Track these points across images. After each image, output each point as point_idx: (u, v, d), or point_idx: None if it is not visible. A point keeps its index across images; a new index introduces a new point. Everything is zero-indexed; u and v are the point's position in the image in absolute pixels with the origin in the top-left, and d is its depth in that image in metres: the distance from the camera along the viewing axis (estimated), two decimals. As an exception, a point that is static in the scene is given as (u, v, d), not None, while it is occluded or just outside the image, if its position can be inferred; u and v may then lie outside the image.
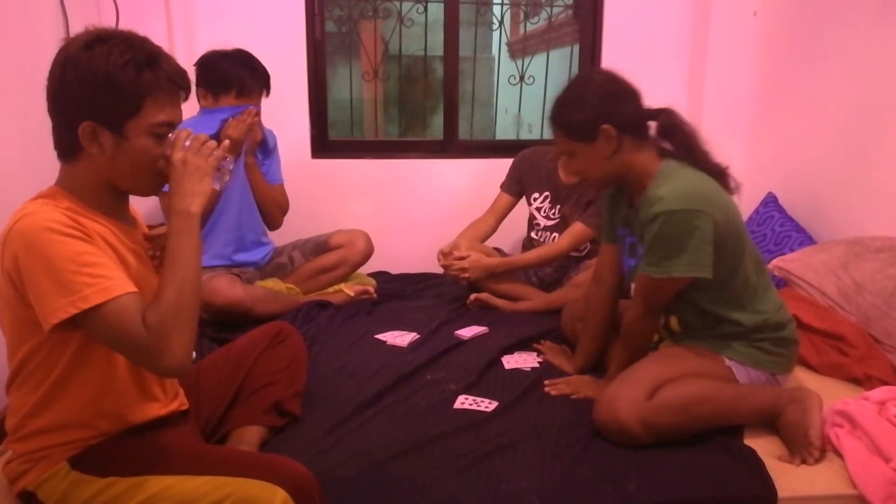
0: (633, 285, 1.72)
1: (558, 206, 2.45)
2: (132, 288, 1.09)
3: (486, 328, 2.18)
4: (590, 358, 1.89)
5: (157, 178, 1.19)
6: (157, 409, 1.28)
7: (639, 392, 1.50)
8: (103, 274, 1.06)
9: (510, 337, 2.10)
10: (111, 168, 1.14)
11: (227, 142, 1.30)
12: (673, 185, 1.52)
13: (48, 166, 1.22)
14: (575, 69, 3.17)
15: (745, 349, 1.62)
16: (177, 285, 1.10)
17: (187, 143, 1.16)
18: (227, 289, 2.20)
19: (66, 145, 1.14)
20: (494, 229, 2.54)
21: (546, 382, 1.82)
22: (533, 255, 2.42)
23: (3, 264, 1.10)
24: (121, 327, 1.05)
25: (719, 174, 1.59)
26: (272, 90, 2.40)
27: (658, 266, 1.53)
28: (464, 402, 1.72)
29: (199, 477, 1.13)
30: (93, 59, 1.08)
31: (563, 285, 2.45)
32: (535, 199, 2.51)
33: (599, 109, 1.56)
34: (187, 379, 1.44)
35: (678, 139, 1.60)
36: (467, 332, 2.15)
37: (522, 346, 2.06)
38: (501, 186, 2.56)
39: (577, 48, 3.16)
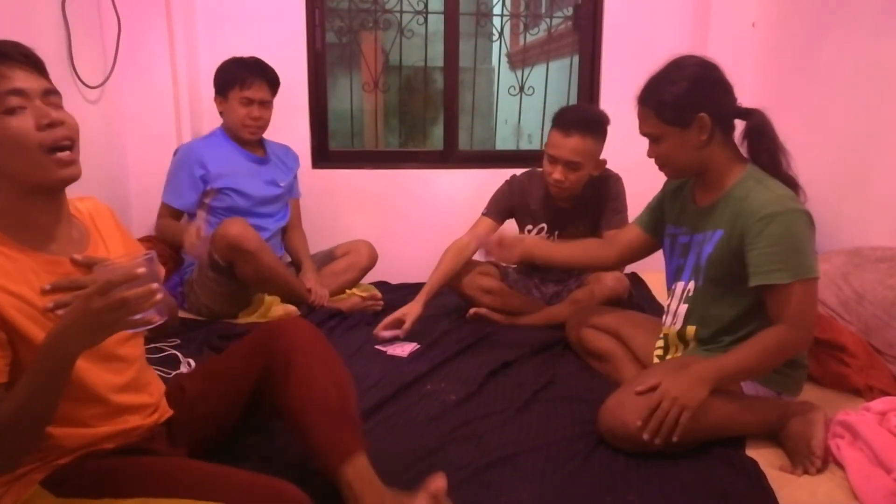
0: (675, 288, 1.72)
1: (556, 234, 2.42)
2: None
3: (416, 345, 2.15)
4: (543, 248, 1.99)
5: (48, 155, 1.05)
6: (131, 422, 1.20)
7: (645, 399, 1.49)
8: None
9: (512, 348, 2.10)
10: (3, 169, 1.04)
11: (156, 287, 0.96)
12: (772, 190, 1.50)
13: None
14: (575, 80, 3.18)
15: None
16: (20, 405, 0.96)
17: (109, 287, 0.92)
18: (242, 227, 2.25)
19: None
20: (472, 255, 2.40)
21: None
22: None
23: None
24: None
25: (795, 187, 1.56)
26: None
27: (801, 267, 1.45)
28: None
29: (186, 501, 1.04)
30: None
31: (563, 299, 2.44)
32: (528, 230, 2.44)
33: (698, 96, 1.53)
34: (173, 388, 1.38)
35: (765, 145, 1.58)
36: (399, 350, 2.12)
37: (524, 359, 2.05)
38: (486, 211, 2.43)
39: (576, 59, 3.17)
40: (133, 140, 2.69)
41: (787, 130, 1.64)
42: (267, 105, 2.47)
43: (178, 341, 2.12)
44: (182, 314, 2.39)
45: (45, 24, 2.16)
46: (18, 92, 1.03)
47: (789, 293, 1.46)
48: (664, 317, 1.78)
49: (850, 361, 1.84)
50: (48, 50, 2.17)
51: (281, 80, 2.51)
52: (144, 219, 2.72)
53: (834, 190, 2.41)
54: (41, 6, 2.14)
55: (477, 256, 2.47)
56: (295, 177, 2.71)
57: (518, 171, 2.50)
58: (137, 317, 0.95)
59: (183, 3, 2.68)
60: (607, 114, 2.28)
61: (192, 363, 1.98)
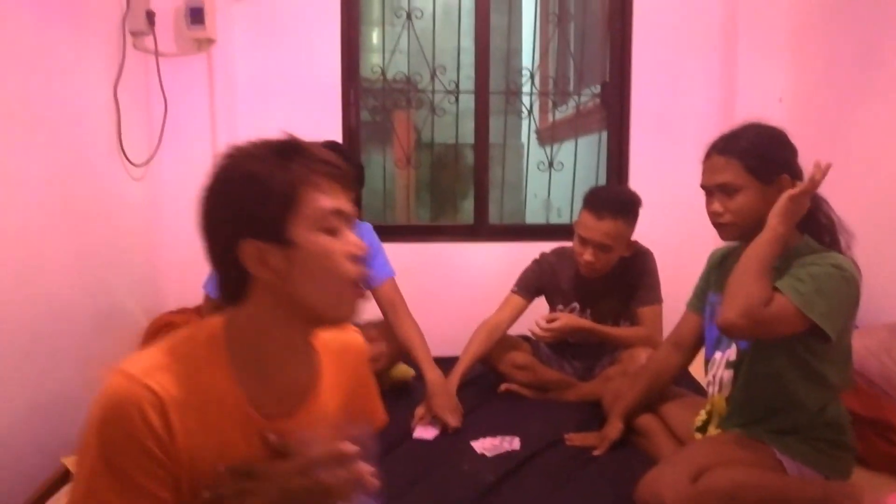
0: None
1: (588, 311, 2.40)
2: None
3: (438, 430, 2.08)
4: (629, 410, 1.88)
5: (354, 289, 0.92)
6: None
7: (683, 474, 1.44)
8: None
9: (548, 426, 2.07)
10: (292, 291, 0.89)
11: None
12: (831, 255, 1.49)
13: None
14: (603, 155, 3.23)
15: (800, 445, 1.54)
16: None
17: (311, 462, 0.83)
18: None
19: (233, 283, 0.91)
20: (505, 332, 2.38)
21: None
22: (617, 331, 2.33)
23: None
24: None
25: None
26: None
27: (814, 304, 1.41)
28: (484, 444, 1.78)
29: None
30: (232, 164, 0.92)
31: (595, 376, 2.40)
32: (559, 310, 2.41)
33: (782, 156, 1.55)
34: None
35: (823, 222, 1.58)
36: (425, 433, 2.07)
37: (557, 442, 1.99)
38: (515, 289, 2.41)
39: (605, 135, 3.23)
40: (172, 216, 2.77)
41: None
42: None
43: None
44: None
45: (97, 104, 2.28)
46: (340, 214, 0.91)
47: (780, 302, 1.41)
48: (708, 387, 1.73)
49: (898, 441, 1.77)
50: (98, 129, 2.29)
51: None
52: (179, 293, 2.77)
53: (871, 262, 2.36)
54: (94, 88, 2.27)
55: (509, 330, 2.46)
56: (376, 254, 2.40)
57: (547, 248, 2.51)
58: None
59: (225, 83, 2.82)
60: (638, 194, 2.29)
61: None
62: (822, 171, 1.42)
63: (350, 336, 1.10)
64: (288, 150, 0.90)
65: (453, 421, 2.08)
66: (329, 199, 0.90)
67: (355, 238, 0.92)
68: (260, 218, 0.87)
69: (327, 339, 1.03)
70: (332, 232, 0.90)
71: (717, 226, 1.60)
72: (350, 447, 0.83)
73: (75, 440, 2.08)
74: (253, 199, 0.87)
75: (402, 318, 2.32)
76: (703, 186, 1.62)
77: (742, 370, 1.60)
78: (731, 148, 1.56)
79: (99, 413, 0.84)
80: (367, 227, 2.48)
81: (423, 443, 2.01)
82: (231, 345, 0.91)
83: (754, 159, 1.53)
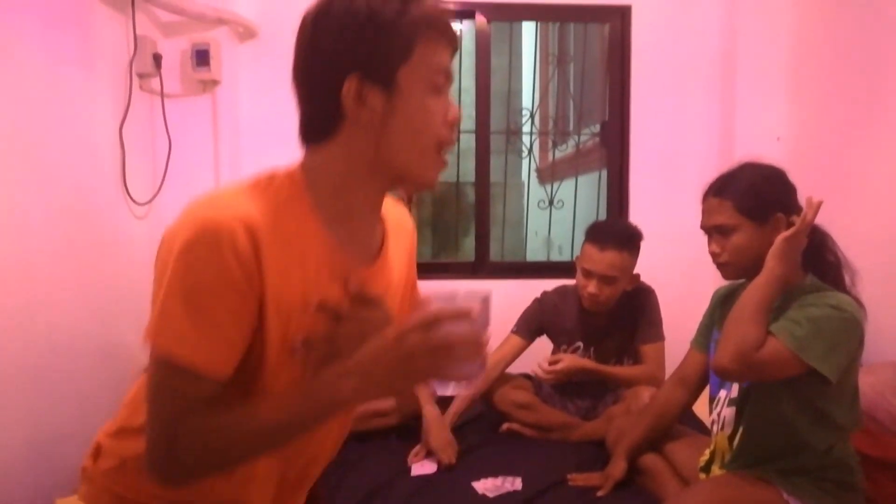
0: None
1: (592, 349, 2.39)
2: (218, 373, 0.80)
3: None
4: (633, 449, 1.86)
5: (439, 156, 0.90)
6: None
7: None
8: (207, 324, 0.78)
9: (551, 466, 2.04)
10: (382, 139, 0.86)
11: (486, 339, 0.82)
12: (836, 295, 1.49)
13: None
14: (603, 193, 3.25)
15: (808, 486, 1.51)
16: (254, 431, 0.81)
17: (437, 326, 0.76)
18: None
19: (322, 119, 0.89)
20: (499, 376, 2.38)
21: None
22: (620, 370, 2.33)
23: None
24: (153, 396, 0.81)
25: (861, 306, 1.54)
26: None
27: (811, 350, 1.40)
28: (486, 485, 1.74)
29: None
30: (350, 1, 0.86)
31: (599, 415, 2.37)
32: (563, 349, 2.42)
33: (777, 195, 1.56)
34: None
35: (828, 259, 1.59)
36: (424, 468, 2.05)
37: (560, 482, 1.96)
38: (515, 329, 2.42)
39: (604, 173, 3.25)
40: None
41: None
42: None
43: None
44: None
45: (102, 144, 2.32)
46: (448, 75, 0.89)
47: (773, 346, 1.40)
48: (712, 426, 1.71)
49: (907, 482, 1.74)
50: (103, 168, 2.32)
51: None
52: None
53: (874, 301, 2.36)
54: (100, 128, 2.30)
55: (508, 369, 2.45)
56: None
57: (548, 285, 2.51)
58: (459, 368, 0.77)
59: (229, 123, 2.85)
60: (638, 227, 2.31)
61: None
62: (814, 209, 1.44)
63: (404, 212, 1.10)
64: (412, 1, 0.87)
65: (446, 457, 2.07)
66: (442, 57, 0.88)
67: (454, 105, 0.90)
68: (374, 56, 0.84)
69: (389, 214, 1.01)
70: (436, 90, 0.88)
71: (718, 265, 1.62)
72: (477, 307, 0.77)
73: (72, 481, 2.06)
74: (371, 36, 0.84)
75: None
76: (702, 227, 1.64)
77: (746, 410, 1.58)
78: (724, 189, 1.58)
79: (187, 238, 0.78)
80: None
81: (423, 480, 1.99)
82: (312, 186, 0.88)
83: (747, 200, 1.55)
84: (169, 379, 0.79)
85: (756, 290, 1.46)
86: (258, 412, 0.81)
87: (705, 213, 1.62)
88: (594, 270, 2.20)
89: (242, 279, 0.78)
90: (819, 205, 1.44)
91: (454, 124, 0.90)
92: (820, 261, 1.58)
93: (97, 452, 1.00)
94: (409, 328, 0.76)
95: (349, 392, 0.79)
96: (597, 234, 2.24)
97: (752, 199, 1.55)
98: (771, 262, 1.46)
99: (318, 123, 0.90)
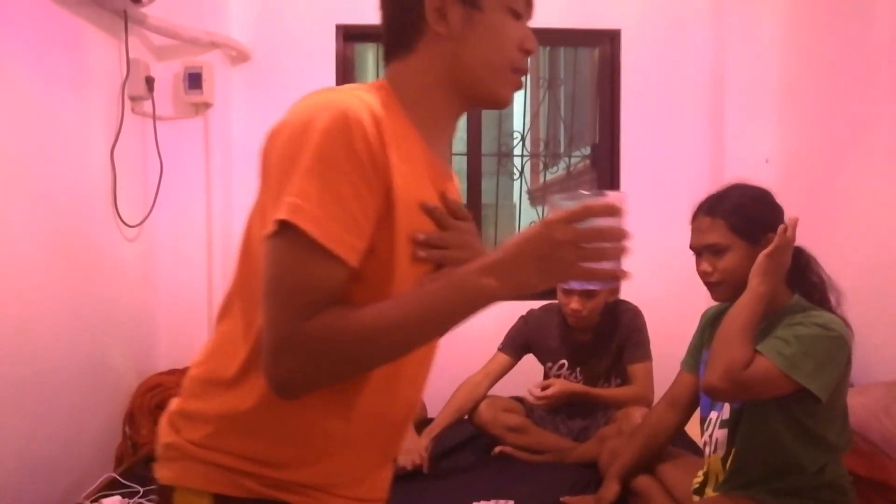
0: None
1: (578, 369, 2.40)
2: (351, 259, 0.76)
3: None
4: (626, 471, 1.85)
5: (514, 76, 0.91)
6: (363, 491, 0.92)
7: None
8: (342, 205, 0.75)
9: (545, 490, 2.02)
10: (460, 53, 0.87)
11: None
12: (822, 315, 1.49)
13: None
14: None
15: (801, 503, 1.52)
16: (393, 325, 0.76)
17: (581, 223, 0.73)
18: None
19: (404, 30, 0.89)
20: (486, 393, 2.38)
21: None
22: (610, 392, 2.34)
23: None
24: (283, 284, 0.75)
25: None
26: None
27: (801, 369, 1.40)
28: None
29: None
30: None
31: (590, 436, 2.36)
32: (549, 367, 2.45)
33: (767, 216, 1.56)
34: None
35: (812, 280, 1.59)
36: None
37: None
38: (502, 346, 2.44)
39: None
40: (165, 276, 2.77)
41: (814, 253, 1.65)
42: None
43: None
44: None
45: (93, 166, 2.31)
46: (529, 3, 0.92)
47: (762, 365, 1.41)
48: (704, 447, 1.71)
49: (900, 502, 1.73)
50: (94, 190, 2.31)
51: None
52: (171, 354, 2.75)
53: (864, 321, 2.37)
54: (92, 150, 2.30)
55: (499, 392, 2.44)
56: None
57: (535, 305, 2.51)
58: (602, 265, 0.74)
59: (221, 146, 2.86)
60: None
61: None
62: (792, 226, 1.45)
63: None
64: None
65: (401, 460, 2.07)
66: None
67: (531, 33, 0.91)
68: None
69: None
70: (516, 15, 0.89)
71: (708, 285, 1.61)
72: (623, 204, 0.73)
73: (62, 500, 2.03)
74: None
75: None
76: (692, 247, 1.63)
77: (738, 431, 1.58)
78: (716, 209, 1.58)
79: (325, 122, 0.75)
80: None
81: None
82: (399, 94, 0.88)
83: (740, 220, 1.55)
84: (302, 264, 0.74)
85: (741, 309, 1.47)
86: (397, 303, 0.77)
87: (696, 232, 1.62)
88: (573, 287, 2.22)
89: (371, 167, 0.77)
90: (796, 221, 1.45)
91: (529, 53, 0.91)
92: (805, 282, 1.59)
93: (177, 423, 0.88)
94: (559, 218, 0.73)
95: (491, 288, 0.76)
96: None
97: (745, 220, 1.55)
98: (754, 281, 1.47)
99: (400, 36, 0.89)
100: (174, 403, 0.92)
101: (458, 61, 0.88)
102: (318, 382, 0.78)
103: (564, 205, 0.74)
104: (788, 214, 1.62)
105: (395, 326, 0.76)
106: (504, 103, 0.93)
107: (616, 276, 0.77)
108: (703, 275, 1.60)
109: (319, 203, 0.73)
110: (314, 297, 0.74)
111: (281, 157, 0.77)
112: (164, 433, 0.89)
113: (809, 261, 1.61)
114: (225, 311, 0.89)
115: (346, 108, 0.76)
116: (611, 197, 0.74)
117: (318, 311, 0.74)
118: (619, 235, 0.74)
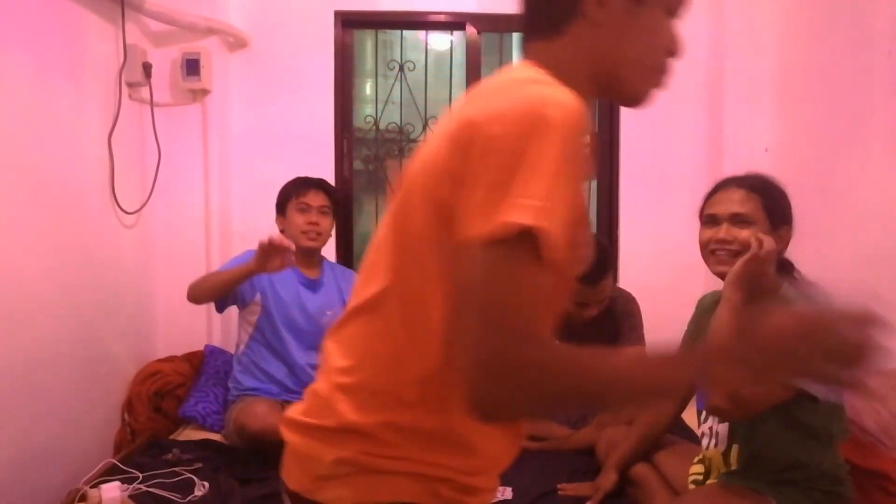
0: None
1: None
2: (570, 272, 0.73)
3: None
4: (624, 461, 1.86)
5: (658, 77, 0.87)
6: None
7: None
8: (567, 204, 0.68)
9: (541, 476, 2.03)
10: (612, 44, 0.82)
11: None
12: (816, 301, 1.50)
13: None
14: (593, 203, 3.26)
15: (797, 496, 1.51)
16: (611, 378, 0.69)
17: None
18: (265, 415, 2.17)
19: (555, 10, 0.83)
20: None
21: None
22: None
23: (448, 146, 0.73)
24: (501, 298, 0.65)
25: None
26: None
27: None
28: None
29: None
30: None
31: (588, 422, 2.37)
32: None
33: (790, 212, 1.59)
34: None
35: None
36: None
37: (550, 492, 1.96)
38: None
39: (594, 184, 3.26)
40: (163, 263, 2.77)
41: (804, 254, 1.65)
42: (325, 213, 2.47)
43: (200, 465, 2.09)
44: (211, 433, 2.37)
45: (91, 153, 2.30)
46: (685, 7, 0.87)
47: None
48: (703, 440, 1.71)
49: (894, 490, 1.74)
50: (92, 178, 2.30)
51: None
52: (169, 341, 2.75)
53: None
54: (89, 137, 2.29)
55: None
56: None
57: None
58: (850, 375, 0.69)
59: (219, 133, 2.85)
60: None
61: (207, 485, 1.94)
62: (759, 242, 1.45)
63: None
64: None
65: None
66: None
67: (682, 40, 0.87)
68: None
69: None
70: (672, 14, 0.85)
71: (722, 253, 1.57)
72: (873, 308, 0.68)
73: (58, 495, 2.04)
74: None
75: None
76: (710, 215, 1.60)
77: (739, 430, 1.59)
78: (751, 184, 1.58)
79: (558, 118, 0.68)
80: (354, 275, 2.58)
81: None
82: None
83: (772, 201, 1.56)
84: (531, 277, 0.66)
85: (721, 325, 1.46)
86: (619, 357, 0.72)
87: (724, 201, 1.58)
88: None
89: (583, 163, 0.73)
90: (761, 241, 1.45)
91: (675, 56, 0.87)
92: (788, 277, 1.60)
93: (342, 437, 0.80)
94: (840, 318, 0.68)
95: (726, 377, 0.71)
96: None
97: (776, 204, 1.56)
98: (727, 291, 1.46)
99: (549, 16, 0.83)
100: (318, 415, 0.85)
101: (607, 53, 0.83)
102: (526, 412, 0.75)
103: (824, 303, 0.72)
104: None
105: (612, 379, 0.70)
106: (642, 103, 0.88)
107: (855, 386, 0.71)
108: (720, 242, 1.56)
109: (563, 208, 0.67)
110: (535, 314, 0.68)
111: (499, 150, 0.67)
112: (321, 450, 0.82)
113: (791, 267, 1.61)
114: (371, 306, 0.81)
115: (576, 105, 0.70)
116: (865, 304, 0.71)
117: (536, 331, 0.67)
118: (881, 352, 0.68)
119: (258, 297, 2.42)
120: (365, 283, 0.84)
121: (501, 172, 0.66)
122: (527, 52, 0.86)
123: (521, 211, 0.64)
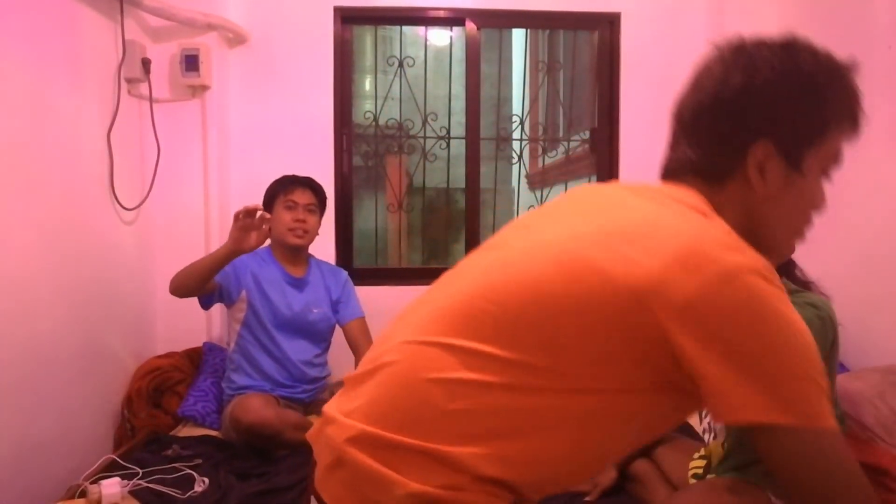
0: None
1: None
2: None
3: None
4: (624, 460, 1.86)
5: (803, 235, 0.90)
6: None
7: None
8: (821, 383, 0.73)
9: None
10: (766, 207, 0.84)
11: None
12: (809, 296, 1.51)
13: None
14: (593, 199, 3.26)
15: None
16: None
17: None
18: (259, 409, 2.18)
19: (719, 165, 0.85)
20: None
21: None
22: None
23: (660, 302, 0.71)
24: (837, 463, 0.74)
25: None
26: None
27: None
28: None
29: None
30: (798, 59, 0.84)
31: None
32: None
33: None
34: None
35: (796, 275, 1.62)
36: None
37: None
38: None
39: (594, 179, 3.26)
40: (162, 259, 2.76)
41: (808, 246, 1.64)
42: (312, 211, 2.48)
43: (200, 461, 2.09)
44: (210, 431, 2.37)
45: (90, 149, 2.30)
46: (840, 161, 0.90)
47: None
48: (704, 436, 1.72)
49: (894, 487, 1.74)
50: (91, 174, 2.30)
51: (308, 201, 2.60)
52: (169, 337, 2.75)
53: (863, 305, 2.38)
54: (88, 133, 2.29)
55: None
56: (347, 298, 2.62)
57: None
58: None
59: (219, 128, 2.84)
60: None
61: (206, 481, 1.94)
62: None
63: None
64: (839, 78, 0.85)
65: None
66: (843, 144, 0.87)
67: (825, 194, 0.89)
68: (798, 131, 0.83)
69: None
70: (826, 175, 0.88)
71: None
72: None
73: (57, 489, 2.04)
74: (805, 111, 0.83)
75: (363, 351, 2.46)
76: None
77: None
78: None
79: (773, 294, 0.71)
80: (343, 273, 2.68)
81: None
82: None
83: None
84: (845, 453, 0.75)
85: None
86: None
87: None
88: None
89: None
90: None
91: (820, 211, 0.90)
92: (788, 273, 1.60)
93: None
94: None
95: None
96: None
97: None
98: None
99: (713, 168, 0.86)
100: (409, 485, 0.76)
101: (759, 214, 0.85)
102: None
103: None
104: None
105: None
106: (784, 257, 0.92)
107: None
108: None
109: (820, 403, 0.72)
110: (853, 467, 0.76)
111: (734, 325, 0.70)
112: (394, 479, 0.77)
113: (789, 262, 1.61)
114: (515, 387, 0.77)
115: (770, 272, 0.73)
116: None
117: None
118: None
119: (244, 293, 2.43)
120: (493, 337, 0.78)
121: (748, 359, 0.70)
122: (683, 178, 0.88)
123: (821, 408, 0.71)
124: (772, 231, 0.86)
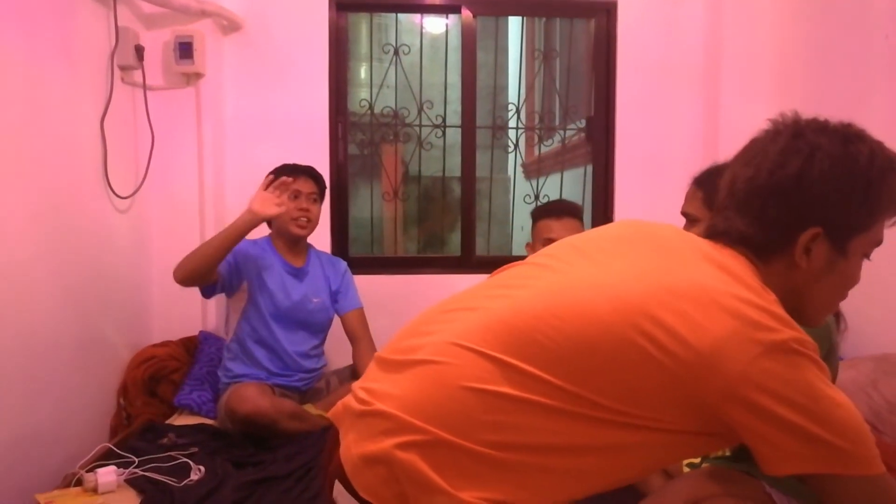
0: None
1: None
2: None
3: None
4: None
5: (837, 306, 1.02)
6: None
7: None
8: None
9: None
10: (807, 286, 0.93)
11: None
12: None
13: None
14: (589, 188, 3.26)
15: (789, 479, 1.52)
16: None
17: None
18: (255, 398, 2.18)
19: (770, 241, 0.92)
20: None
21: None
22: None
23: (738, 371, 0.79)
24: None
25: None
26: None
27: None
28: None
29: None
30: (854, 153, 0.90)
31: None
32: None
33: None
34: None
35: None
36: None
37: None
38: None
39: (590, 168, 3.26)
40: (157, 248, 2.75)
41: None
42: (315, 200, 2.48)
43: (196, 449, 2.09)
44: (206, 420, 2.37)
45: (83, 137, 2.28)
46: (880, 244, 0.97)
47: None
48: None
49: (887, 474, 1.76)
50: (84, 162, 2.29)
51: (304, 190, 2.59)
52: (164, 326, 2.75)
53: (856, 294, 2.38)
54: (81, 121, 2.27)
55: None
56: (346, 289, 2.63)
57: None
58: None
59: (213, 117, 2.83)
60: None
61: (202, 470, 1.94)
62: None
63: None
64: (890, 172, 0.91)
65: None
66: (882, 235, 0.94)
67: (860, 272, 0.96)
68: (848, 222, 0.90)
69: None
70: (867, 256, 0.95)
71: None
72: None
73: (53, 478, 2.04)
74: (857, 204, 0.89)
75: (363, 347, 2.50)
76: (684, 213, 1.63)
77: None
78: (704, 180, 1.57)
79: (805, 354, 0.81)
80: (343, 264, 2.69)
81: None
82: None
83: (714, 193, 1.55)
84: (882, 489, 0.86)
85: None
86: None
87: (685, 198, 1.61)
88: (559, 238, 2.23)
89: None
90: None
91: (854, 286, 0.97)
92: None
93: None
94: None
95: None
96: (549, 209, 2.38)
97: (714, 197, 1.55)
98: None
99: (766, 244, 0.92)
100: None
101: (801, 291, 0.93)
102: None
103: None
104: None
105: None
106: (818, 326, 0.99)
107: None
108: None
109: (874, 449, 0.87)
110: None
111: (783, 394, 0.80)
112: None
113: None
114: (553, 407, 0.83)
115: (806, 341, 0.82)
116: None
117: None
118: None
119: (245, 284, 2.42)
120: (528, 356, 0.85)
121: (796, 416, 0.81)
122: (733, 246, 0.93)
123: (871, 457, 0.86)
124: (811, 306, 0.95)
